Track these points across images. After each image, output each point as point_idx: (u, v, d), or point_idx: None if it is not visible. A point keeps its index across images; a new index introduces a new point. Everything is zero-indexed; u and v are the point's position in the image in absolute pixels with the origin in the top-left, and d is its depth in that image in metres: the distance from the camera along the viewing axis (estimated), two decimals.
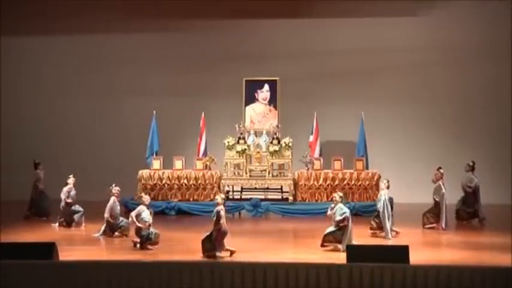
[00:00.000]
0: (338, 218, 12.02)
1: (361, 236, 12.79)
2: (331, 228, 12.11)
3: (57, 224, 14.75)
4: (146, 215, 12.27)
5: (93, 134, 19.97)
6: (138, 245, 12.22)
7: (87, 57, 20.21)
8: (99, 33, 20.06)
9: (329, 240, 12.08)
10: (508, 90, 19.12)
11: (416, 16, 19.52)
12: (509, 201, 17.85)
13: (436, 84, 19.57)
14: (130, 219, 12.54)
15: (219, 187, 17.08)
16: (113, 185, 13.86)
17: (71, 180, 14.97)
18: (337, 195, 12.34)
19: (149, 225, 12.19)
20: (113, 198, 13.70)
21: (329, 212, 12.28)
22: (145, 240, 12.10)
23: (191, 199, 17.17)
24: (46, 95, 20.15)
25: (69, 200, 14.75)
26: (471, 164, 15.74)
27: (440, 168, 14.83)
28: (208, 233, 11.37)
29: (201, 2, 19.36)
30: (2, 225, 13.78)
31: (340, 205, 12.16)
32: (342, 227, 11.99)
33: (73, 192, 14.91)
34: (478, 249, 12.27)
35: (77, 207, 14.86)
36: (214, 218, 11.39)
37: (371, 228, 13.66)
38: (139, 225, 12.15)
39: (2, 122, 19.88)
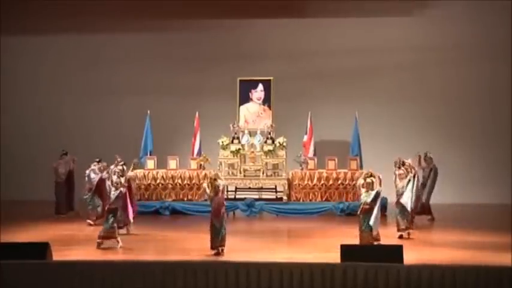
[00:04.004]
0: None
1: (355, 235, 12.75)
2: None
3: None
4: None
5: (88, 134, 19.97)
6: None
7: (83, 57, 20.23)
8: (95, 34, 20.06)
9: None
10: (504, 89, 19.20)
11: (412, 16, 19.53)
12: (509, 201, 17.90)
13: (431, 84, 19.59)
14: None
15: None
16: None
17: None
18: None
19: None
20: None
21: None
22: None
23: (185, 199, 17.15)
24: (44, 95, 20.16)
25: None
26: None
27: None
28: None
29: (194, 2, 19.33)
30: (1, 225, 13.73)
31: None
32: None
33: None
34: (473, 248, 12.26)
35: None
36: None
37: (399, 230, 13.44)
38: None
39: (1, 121, 19.85)
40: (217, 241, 11.54)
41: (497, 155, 19.14)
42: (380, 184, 12.15)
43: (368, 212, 11.75)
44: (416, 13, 19.53)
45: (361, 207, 11.90)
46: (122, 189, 12.57)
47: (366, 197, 11.82)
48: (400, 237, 13.22)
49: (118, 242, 12.31)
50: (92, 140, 19.71)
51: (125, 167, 13.67)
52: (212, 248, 11.55)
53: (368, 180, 11.93)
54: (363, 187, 11.94)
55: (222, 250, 11.57)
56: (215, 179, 11.81)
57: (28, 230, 13.98)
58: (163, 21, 19.90)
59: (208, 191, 11.71)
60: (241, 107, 18.10)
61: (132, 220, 13.66)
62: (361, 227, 11.83)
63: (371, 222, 11.71)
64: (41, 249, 9.37)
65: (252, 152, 17.28)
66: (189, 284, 8.81)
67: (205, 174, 17.18)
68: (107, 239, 12.25)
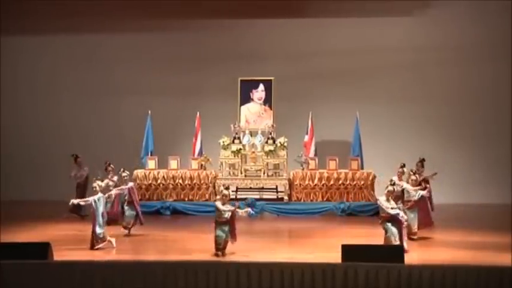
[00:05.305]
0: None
1: (356, 235, 12.78)
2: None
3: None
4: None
5: (88, 134, 19.94)
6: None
7: (83, 57, 20.21)
8: (95, 33, 20.03)
9: None
10: (504, 89, 19.18)
11: (412, 16, 19.52)
12: (510, 201, 17.88)
13: (432, 84, 19.58)
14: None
15: (214, 187, 17.05)
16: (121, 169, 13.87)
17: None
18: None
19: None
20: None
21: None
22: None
23: (186, 199, 17.14)
24: (43, 95, 20.15)
25: None
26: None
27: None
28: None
29: (194, 2, 19.32)
30: (1, 225, 13.71)
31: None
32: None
33: None
34: (474, 248, 12.23)
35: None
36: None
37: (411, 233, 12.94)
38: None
39: (1, 122, 19.85)
40: (221, 246, 11.50)
41: (498, 155, 19.13)
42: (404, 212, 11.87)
43: (388, 220, 11.52)
44: (417, 13, 19.52)
45: (382, 215, 11.59)
46: (97, 196, 12.38)
47: (388, 208, 11.52)
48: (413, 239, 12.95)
49: (111, 242, 12.28)
50: (92, 140, 19.69)
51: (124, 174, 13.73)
52: (217, 251, 11.52)
53: (390, 188, 11.72)
54: (385, 195, 11.73)
55: (223, 253, 11.53)
56: (227, 188, 11.77)
57: (28, 230, 13.95)
58: (163, 21, 19.88)
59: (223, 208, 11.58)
60: (242, 107, 18.08)
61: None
62: (386, 233, 11.59)
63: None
64: (42, 249, 9.36)
65: (253, 152, 17.28)
66: (190, 284, 8.80)
67: (206, 175, 17.21)
68: (101, 242, 12.22)
